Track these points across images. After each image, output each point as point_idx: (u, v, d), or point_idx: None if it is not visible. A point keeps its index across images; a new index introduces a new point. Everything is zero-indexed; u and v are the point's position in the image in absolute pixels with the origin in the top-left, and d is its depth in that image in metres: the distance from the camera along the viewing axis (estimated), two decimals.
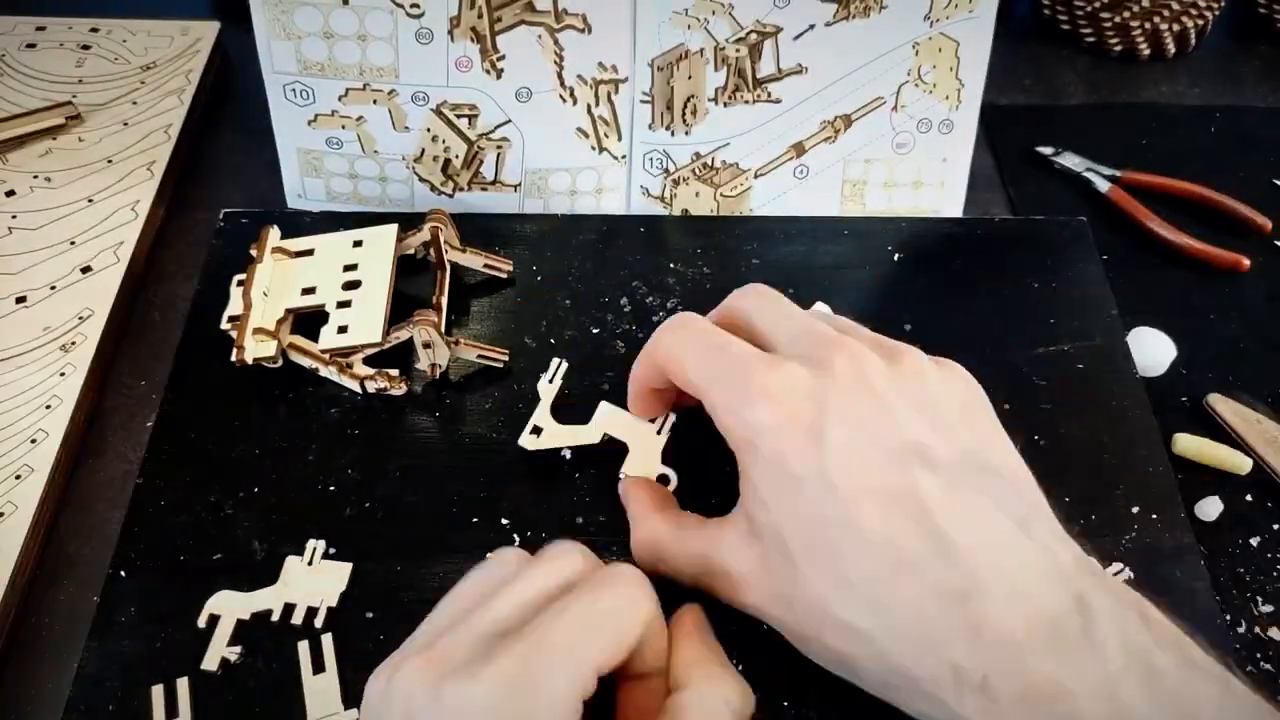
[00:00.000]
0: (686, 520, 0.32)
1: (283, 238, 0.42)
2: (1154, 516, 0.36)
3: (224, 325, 0.39)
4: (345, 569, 0.34)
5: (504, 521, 0.35)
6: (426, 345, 0.37)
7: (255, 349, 0.37)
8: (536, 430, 0.37)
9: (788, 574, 0.27)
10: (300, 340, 0.38)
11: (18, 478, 0.36)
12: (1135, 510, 0.36)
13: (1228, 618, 0.35)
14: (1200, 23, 0.56)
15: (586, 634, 0.24)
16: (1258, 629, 0.35)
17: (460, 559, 0.33)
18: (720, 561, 0.29)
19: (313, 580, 0.34)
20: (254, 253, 0.40)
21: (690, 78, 0.44)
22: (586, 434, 0.36)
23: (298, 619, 0.33)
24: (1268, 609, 0.35)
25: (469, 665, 0.23)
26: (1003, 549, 0.25)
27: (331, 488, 0.36)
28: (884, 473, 0.26)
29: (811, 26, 0.43)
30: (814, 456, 0.27)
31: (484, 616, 0.25)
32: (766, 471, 0.27)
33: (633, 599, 0.26)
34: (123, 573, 0.34)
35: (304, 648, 0.32)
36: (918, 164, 0.47)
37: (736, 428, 0.28)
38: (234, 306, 0.40)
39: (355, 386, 0.38)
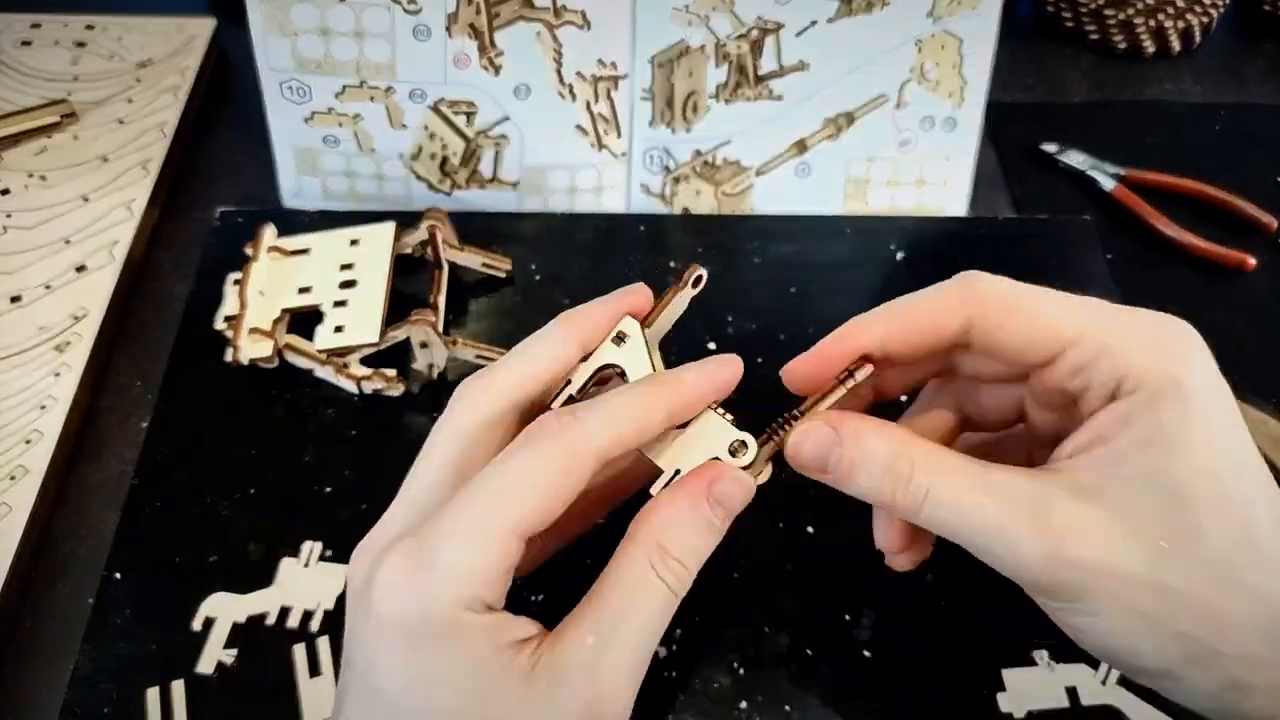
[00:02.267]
0: (958, 454, 0.25)
1: (279, 236, 0.41)
2: None
3: (219, 325, 0.39)
4: (342, 571, 0.34)
5: None
6: (424, 345, 0.37)
7: (251, 349, 0.37)
8: None
9: (1171, 527, 0.23)
10: (296, 340, 0.38)
11: (12, 478, 0.36)
12: None
13: None
14: (1205, 20, 0.56)
15: (491, 504, 0.23)
16: None
17: None
18: (1045, 512, 0.23)
19: (309, 583, 0.33)
20: (249, 252, 0.40)
21: (691, 74, 0.43)
22: None
23: (294, 622, 0.33)
24: None
25: (383, 552, 0.23)
26: None
27: (328, 489, 0.36)
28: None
29: (814, 23, 0.42)
30: (1237, 427, 0.24)
31: (400, 505, 0.25)
32: (1187, 418, 0.23)
33: (545, 455, 0.23)
34: (118, 574, 0.34)
35: (300, 651, 0.32)
36: (921, 162, 0.46)
37: (1147, 367, 0.23)
38: (229, 306, 0.40)
39: (352, 387, 0.38)
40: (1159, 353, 0.24)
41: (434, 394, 0.39)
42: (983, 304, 0.26)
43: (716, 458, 0.26)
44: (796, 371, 0.27)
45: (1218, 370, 0.24)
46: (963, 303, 0.26)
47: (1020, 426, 0.28)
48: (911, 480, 0.24)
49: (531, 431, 0.24)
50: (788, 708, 0.31)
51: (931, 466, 0.24)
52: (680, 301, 0.28)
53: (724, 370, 0.26)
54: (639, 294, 0.27)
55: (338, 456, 0.37)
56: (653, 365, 0.27)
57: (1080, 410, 0.25)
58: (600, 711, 0.23)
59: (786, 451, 0.26)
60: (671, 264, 0.43)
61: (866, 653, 0.33)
